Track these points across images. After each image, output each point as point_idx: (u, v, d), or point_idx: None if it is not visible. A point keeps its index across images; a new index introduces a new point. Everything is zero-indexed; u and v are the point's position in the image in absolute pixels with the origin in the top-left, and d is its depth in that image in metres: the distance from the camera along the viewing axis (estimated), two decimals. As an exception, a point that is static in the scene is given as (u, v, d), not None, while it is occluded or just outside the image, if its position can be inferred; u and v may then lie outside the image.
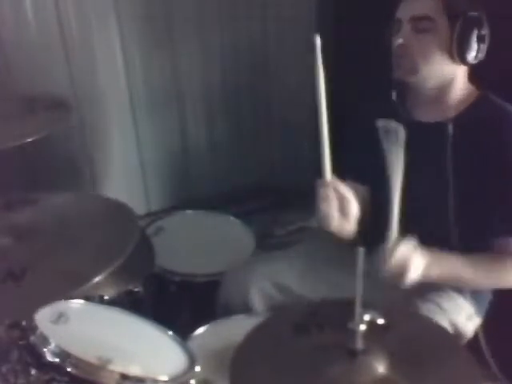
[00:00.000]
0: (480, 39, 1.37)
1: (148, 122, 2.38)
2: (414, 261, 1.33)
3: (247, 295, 1.58)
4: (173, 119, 2.43)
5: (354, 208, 1.39)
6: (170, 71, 2.34)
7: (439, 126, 1.44)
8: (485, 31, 1.37)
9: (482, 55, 1.39)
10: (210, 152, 2.54)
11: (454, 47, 1.37)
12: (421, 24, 1.39)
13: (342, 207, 1.37)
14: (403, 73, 1.45)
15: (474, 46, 1.37)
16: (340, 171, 1.69)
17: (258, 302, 1.58)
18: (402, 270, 1.32)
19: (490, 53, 1.39)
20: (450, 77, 1.43)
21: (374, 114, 1.61)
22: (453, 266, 1.41)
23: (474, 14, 1.36)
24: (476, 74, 1.47)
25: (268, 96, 2.55)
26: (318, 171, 1.45)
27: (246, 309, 1.58)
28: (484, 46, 1.38)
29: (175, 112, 2.42)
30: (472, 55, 1.38)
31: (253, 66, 2.47)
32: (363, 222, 1.54)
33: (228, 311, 1.59)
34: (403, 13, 1.42)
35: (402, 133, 1.37)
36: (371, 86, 1.62)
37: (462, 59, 1.39)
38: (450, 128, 1.43)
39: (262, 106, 2.56)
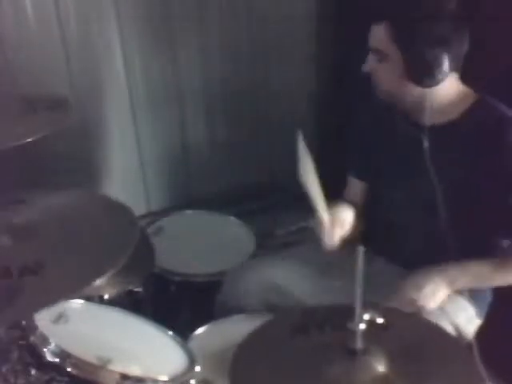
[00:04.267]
0: (428, 64, 1.34)
1: (148, 122, 2.38)
2: (426, 296, 1.38)
3: (245, 299, 1.58)
4: (173, 119, 2.43)
5: (350, 220, 1.54)
6: (170, 71, 2.34)
7: (435, 130, 1.44)
8: (432, 58, 1.33)
9: (440, 78, 1.35)
10: (210, 152, 2.53)
11: (409, 74, 1.37)
12: (378, 55, 1.41)
13: (342, 228, 1.51)
14: (381, 96, 1.48)
15: (423, 68, 1.34)
16: (342, 168, 1.71)
17: (256, 305, 1.58)
18: (414, 305, 1.38)
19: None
20: (429, 92, 1.40)
21: (374, 115, 1.62)
22: (480, 271, 1.44)
23: (417, 36, 1.33)
24: (474, 75, 1.46)
25: (268, 96, 2.55)
26: (318, 171, 1.46)
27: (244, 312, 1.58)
28: (440, 71, 1.34)
29: (175, 112, 2.42)
30: (425, 78, 1.35)
31: (253, 65, 2.47)
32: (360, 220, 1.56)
33: (226, 314, 1.59)
34: (369, 42, 1.45)
35: None
36: (372, 87, 1.62)
37: (421, 84, 1.37)
38: (446, 132, 1.42)
39: (262, 105, 2.56)
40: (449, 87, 1.42)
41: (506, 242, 1.49)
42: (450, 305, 1.49)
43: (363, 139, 1.64)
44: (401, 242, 1.56)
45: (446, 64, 1.34)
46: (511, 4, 1.65)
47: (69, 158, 2.22)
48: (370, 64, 1.44)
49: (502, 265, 1.44)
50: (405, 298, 1.38)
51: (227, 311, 1.59)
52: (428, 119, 1.42)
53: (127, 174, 2.42)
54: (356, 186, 1.68)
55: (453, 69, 1.37)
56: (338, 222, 1.50)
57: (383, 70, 1.42)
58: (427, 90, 1.39)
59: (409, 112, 1.48)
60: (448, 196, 1.43)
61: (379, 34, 1.39)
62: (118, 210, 1.35)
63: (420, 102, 1.42)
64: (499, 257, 1.46)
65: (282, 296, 1.59)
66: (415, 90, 1.40)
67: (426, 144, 1.43)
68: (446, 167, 1.42)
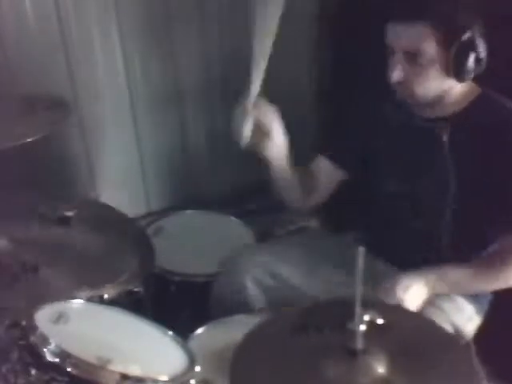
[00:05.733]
0: (477, 60, 1.34)
1: (148, 122, 2.38)
2: (414, 295, 1.37)
3: (242, 283, 1.59)
4: (173, 119, 2.43)
5: (276, 130, 1.56)
6: (170, 71, 2.34)
7: (438, 124, 1.44)
8: (481, 50, 1.34)
9: (480, 71, 1.37)
10: (209, 152, 2.53)
11: (452, 71, 1.35)
12: (415, 58, 1.35)
13: (260, 125, 1.51)
14: (401, 96, 1.45)
15: (472, 67, 1.34)
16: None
17: (252, 289, 1.59)
18: (402, 302, 1.36)
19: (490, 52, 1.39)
20: (449, 87, 1.42)
21: (374, 110, 1.62)
22: (457, 278, 1.43)
23: (467, 37, 1.32)
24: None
25: (268, 96, 2.55)
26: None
27: (241, 297, 1.60)
28: (482, 65, 1.36)
29: (175, 112, 2.42)
30: (470, 76, 1.36)
31: (253, 65, 2.47)
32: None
33: (222, 300, 1.61)
34: (394, 41, 1.37)
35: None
36: (372, 83, 1.62)
37: (461, 80, 1.37)
38: (448, 126, 1.43)
39: (261, 105, 2.56)
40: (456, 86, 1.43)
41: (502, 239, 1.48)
42: (448, 304, 1.49)
43: (356, 131, 1.64)
44: (397, 242, 1.56)
45: (483, 63, 1.35)
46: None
47: (68, 157, 2.23)
48: (402, 67, 1.37)
49: (482, 271, 1.43)
50: (394, 298, 1.37)
51: (221, 300, 1.61)
52: (451, 102, 1.43)
53: (127, 174, 2.42)
54: (325, 167, 1.67)
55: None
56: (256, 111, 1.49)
57: (417, 72, 1.37)
58: (456, 83, 1.39)
59: (422, 106, 1.47)
60: (457, 190, 1.43)
61: (421, 32, 1.32)
62: (115, 217, 1.35)
63: (441, 96, 1.42)
64: (480, 261, 1.45)
65: (277, 284, 1.60)
66: (444, 84, 1.39)
67: (448, 128, 1.42)
68: (463, 158, 1.42)
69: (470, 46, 1.33)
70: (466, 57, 1.33)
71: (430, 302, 1.47)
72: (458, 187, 1.42)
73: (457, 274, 1.42)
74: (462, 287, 1.46)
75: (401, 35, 1.35)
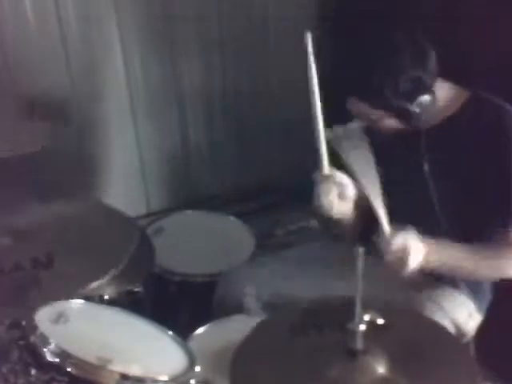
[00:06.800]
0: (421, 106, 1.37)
1: (148, 123, 2.38)
2: (413, 249, 1.34)
3: (242, 300, 1.58)
4: (173, 119, 2.43)
5: (351, 191, 1.46)
6: (169, 71, 2.34)
7: (432, 131, 1.44)
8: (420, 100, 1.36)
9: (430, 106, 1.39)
10: (210, 152, 2.53)
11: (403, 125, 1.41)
12: (373, 119, 1.44)
13: (341, 193, 1.45)
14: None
15: (419, 114, 1.38)
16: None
17: (253, 306, 1.58)
18: (401, 258, 1.34)
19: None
20: None
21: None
22: (453, 254, 1.41)
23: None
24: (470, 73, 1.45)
25: (268, 96, 2.55)
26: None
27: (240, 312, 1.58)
28: (427, 105, 1.38)
29: (175, 112, 2.42)
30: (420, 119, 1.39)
31: (253, 65, 2.47)
32: (360, 219, 1.55)
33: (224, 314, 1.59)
34: (354, 110, 1.48)
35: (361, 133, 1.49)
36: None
37: (417, 128, 1.41)
38: (443, 132, 1.42)
39: (262, 105, 2.56)
40: (439, 94, 1.42)
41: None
42: (449, 302, 1.49)
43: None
44: None
45: (425, 101, 1.37)
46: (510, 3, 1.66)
47: (69, 158, 2.23)
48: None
49: (480, 252, 1.41)
50: (392, 253, 1.36)
51: (225, 312, 1.59)
52: (425, 142, 1.44)
53: (127, 174, 2.42)
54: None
55: (431, 94, 1.38)
56: (338, 184, 1.45)
57: (382, 125, 1.45)
58: None
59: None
60: (446, 198, 1.43)
61: (359, 108, 1.44)
62: (117, 216, 1.35)
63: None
64: (479, 245, 1.43)
65: (280, 297, 1.59)
66: None
67: (426, 167, 1.44)
68: (446, 170, 1.42)
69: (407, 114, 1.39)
70: (409, 118, 1.39)
71: (430, 297, 1.47)
72: (448, 193, 1.42)
73: (455, 250, 1.41)
74: (456, 265, 1.43)
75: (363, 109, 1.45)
